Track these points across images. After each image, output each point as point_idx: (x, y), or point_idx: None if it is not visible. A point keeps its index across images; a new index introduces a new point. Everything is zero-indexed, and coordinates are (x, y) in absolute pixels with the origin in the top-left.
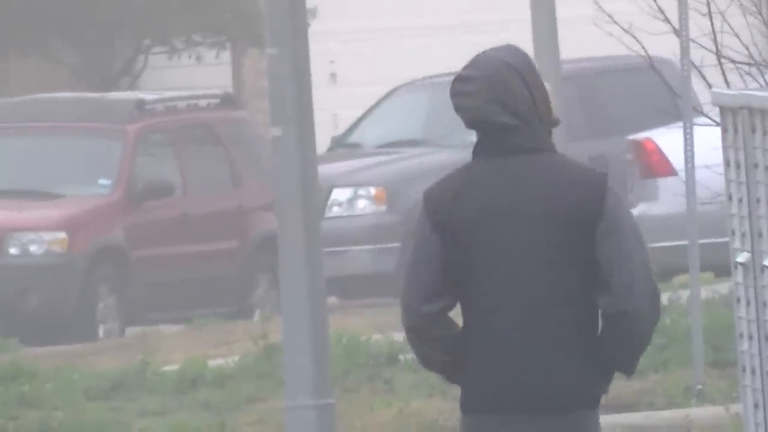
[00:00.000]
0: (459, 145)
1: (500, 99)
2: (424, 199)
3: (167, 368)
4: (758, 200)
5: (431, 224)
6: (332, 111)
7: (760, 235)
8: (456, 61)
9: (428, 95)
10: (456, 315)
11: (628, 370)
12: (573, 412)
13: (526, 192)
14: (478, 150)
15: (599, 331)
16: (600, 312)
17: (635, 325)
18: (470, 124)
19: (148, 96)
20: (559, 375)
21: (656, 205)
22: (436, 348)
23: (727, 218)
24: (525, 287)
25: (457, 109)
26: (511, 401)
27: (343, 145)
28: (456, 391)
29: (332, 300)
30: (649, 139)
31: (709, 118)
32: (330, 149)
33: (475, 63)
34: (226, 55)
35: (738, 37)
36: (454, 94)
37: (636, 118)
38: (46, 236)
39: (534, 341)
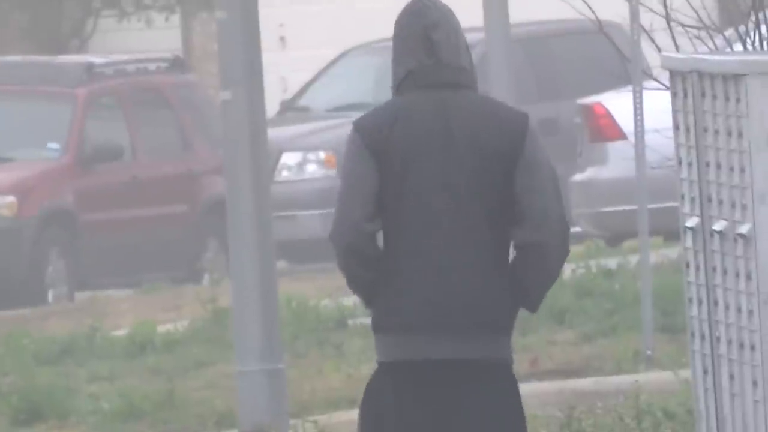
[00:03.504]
0: None
1: (458, 29)
2: (356, 129)
3: (116, 333)
4: (707, 165)
5: (368, 151)
6: (282, 74)
7: (710, 200)
8: None
9: (378, 59)
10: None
11: (533, 304)
12: (493, 334)
13: (457, 125)
14: (405, 85)
15: (510, 264)
16: (513, 244)
17: (545, 256)
18: (427, 28)
19: (97, 59)
20: (482, 297)
21: (605, 170)
22: (369, 266)
23: (677, 183)
24: (453, 214)
25: (425, 7)
26: (437, 320)
27: (292, 109)
28: None
29: (281, 264)
30: (599, 103)
31: (659, 81)
32: (279, 113)
33: (424, 6)
34: (176, 19)
35: (687, 0)
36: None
37: (586, 81)
38: None
39: (460, 265)
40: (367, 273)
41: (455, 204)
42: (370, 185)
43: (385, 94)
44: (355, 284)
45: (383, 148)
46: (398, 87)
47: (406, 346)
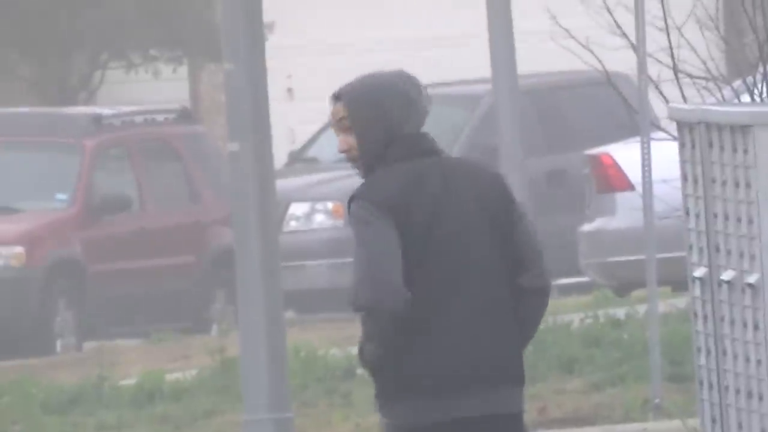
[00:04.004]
0: None
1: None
2: (367, 199)
3: (125, 382)
4: (715, 215)
5: (389, 221)
6: (289, 125)
7: (717, 249)
8: None
9: None
10: None
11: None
12: (517, 387)
13: (456, 188)
14: (392, 154)
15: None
16: (516, 289)
17: (545, 300)
18: (411, 101)
19: (105, 110)
20: (507, 352)
21: (614, 220)
22: (402, 332)
23: (685, 233)
24: (472, 273)
25: (424, 112)
26: (469, 378)
27: (300, 160)
28: None
29: (290, 314)
30: (607, 154)
31: (667, 132)
32: (287, 164)
33: (406, 77)
34: (183, 70)
35: (695, 51)
36: (428, 100)
37: (594, 132)
38: (4, 251)
39: (485, 322)
40: (400, 338)
41: (472, 264)
42: (399, 252)
43: None
44: (385, 351)
45: (401, 217)
46: (384, 156)
47: (442, 407)
